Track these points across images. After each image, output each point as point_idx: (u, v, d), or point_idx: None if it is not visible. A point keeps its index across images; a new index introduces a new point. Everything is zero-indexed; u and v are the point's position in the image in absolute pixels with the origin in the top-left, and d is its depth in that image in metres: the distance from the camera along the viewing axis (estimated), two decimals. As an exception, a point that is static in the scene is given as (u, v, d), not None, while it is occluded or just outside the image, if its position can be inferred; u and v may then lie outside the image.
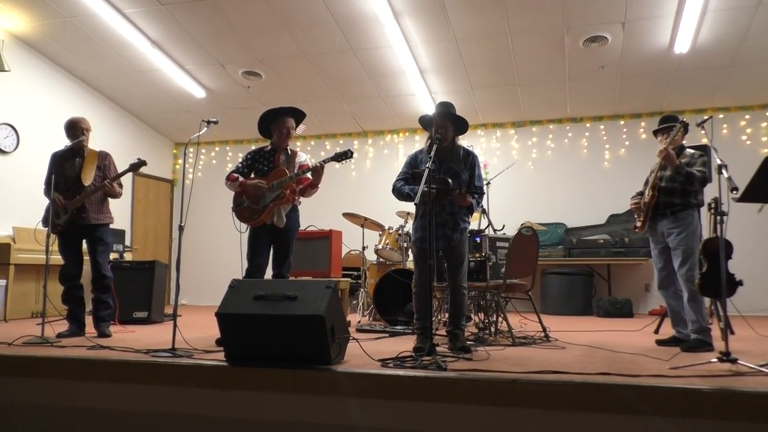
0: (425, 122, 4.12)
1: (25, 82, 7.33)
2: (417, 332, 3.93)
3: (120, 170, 4.93)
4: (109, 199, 4.98)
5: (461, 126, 4.05)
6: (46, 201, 4.77)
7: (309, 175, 4.43)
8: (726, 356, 3.10)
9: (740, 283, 3.62)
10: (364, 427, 2.86)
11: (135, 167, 4.82)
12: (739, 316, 5.49)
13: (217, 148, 10.07)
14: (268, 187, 4.36)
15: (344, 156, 4.33)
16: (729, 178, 3.24)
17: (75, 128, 4.87)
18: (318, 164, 4.35)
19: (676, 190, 4.12)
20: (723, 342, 3.22)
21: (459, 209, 3.92)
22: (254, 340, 3.18)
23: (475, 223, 5.88)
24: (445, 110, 3.97)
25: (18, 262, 6.38)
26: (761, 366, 2.98)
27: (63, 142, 4.94)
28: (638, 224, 4.33)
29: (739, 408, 2.47)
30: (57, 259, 4.80)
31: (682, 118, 4.28)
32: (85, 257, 4.90)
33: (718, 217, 3.37)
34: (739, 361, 3.07)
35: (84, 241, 4.88)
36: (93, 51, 7.37)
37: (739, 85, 7.40)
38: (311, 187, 4.46)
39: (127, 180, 5.09)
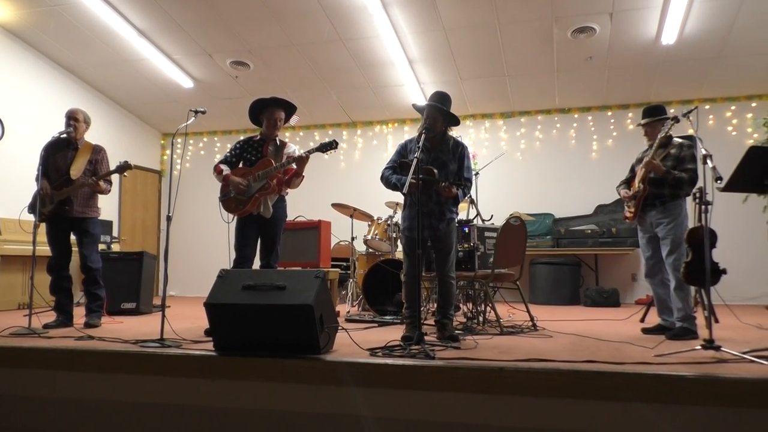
0: (419, 109, 4.13)
1: (10, 71, 7.24)
2: (406, 321, 3.95)
3: (112, 166, 4.90)
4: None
5: (452, 119, 4.05)
6: (33, 189, 4.75)
7: (293, 165, 4.41)
8: (710, 344, 3.14)
9: (724, 271, 3.67)
10: (352, 416, 2.88)
11: (121, 169, 4.77)
12: (724, 304, 5.56)
13: (205, 139, 10.02)
14: (245, 185, 4.35)
15: (329, 146, 4.30)
16: (713, 168, 3.27)
17: (67, 118, 4.87)
18: (303, 154, 4.34)
19: (666, 182, 4.16)
20: (707, 330, 3.27)
21: (446, 199, 3.93)
22: (243, 330, 3.18)
23: (463, 213, 5.90)
24: (437, 102, 3.97)
25: (4, 253, 6.32)
26: (744, 353, 3.03)
27: (48, 132, 4.91)
28: (628, 214, 4.37)
29: (721, 394, 2.51)
30: (44, 249, 4.78)
31: (669, 109, 4.32)
32: (74, 248, 4.88)
33: (703, 207, 3.40)
34: (723, 349, 3.11)
35: (72, 233, 4.86)
36: (79, 40, 7.29)
37: (725, 77, 7.46)
38: (296, 176, 4.44)
39: (114, 171, 5.02)
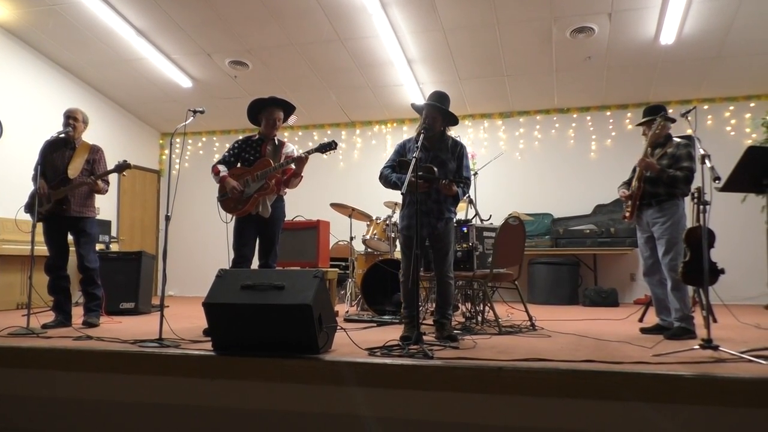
0: (417, 109, 4.14)
1: (8, 71, 7.23)
2: (404, 321, 3.95)
3: (109, 166, 4.90)
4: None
5: (451, 118, 4.05)
6: (31, 189, 4.74)
7: (292, 165, 4.42)
8: (708, 343, 3.15)
9: (722, 271, 3.67)
10: (351, 415, 2.88)
11: (120, 169, 4.77)
12: (722, 304, 5.57)
13: (204, 139, 10.02)
14: (240, 191, 4.35)
15: (328, 147, 4.31)
16: (712, 168, 3.28)
17: (65, 117, 4.86)
18: (302, 155, 4.34)
19: (661, 181, 4.16)
20: (705, 329, 3.27)
21: (445, 198, 3.93)
22: (241, 330, 3.18)
23: (462, 212, 5.90)
24: (436, 101, 3.97)
25: (2, 253, 6.31)
26: (742, 353, 3.04)
27: (47, 132, 4.90)
28: (627, 214, 4.38)
29: (719, 393, 2.52)
30: (42, 249, 4.77)
31: (668, 109, 4.32)
32: (71, 248, 4.87)
33: (701, 207, 3.41)
34: (721, 348, 3.12)
35: (69, 233, 4.86)
36: (77, 40, 7.28)
37: (723, 77, 7.46)
38: (294, 176, 4.45)
39: (112, 170, 5.01)
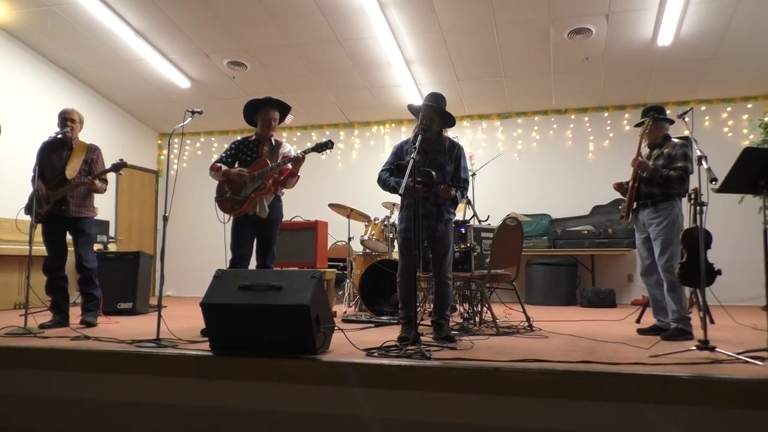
0: (413, 110, 4.13)
1: (6, 71, 7.22)
2: (402, 322, 3.96)
3: (107, 165, 4.90)
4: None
5: (448, 119, 4.05)
6: (29, 190, 4.74)
7: (289, 165, 4.42)
8: (705, 344, 3.16)
9: (719, 272, 3.68)
10: (349, 416, 2.89)
11: (116, 168, 4.78)
12: (719, 305, 5.58)
13: (202, 139, 10.01)
14: (249, 176, 4.35)
15: (325, 146, 4.31)
16: (708, 169, 3.29)
17: (61, 118, 4.86)
18: (299, 155, 4.35)
19: (655, 181, 4.17)
20: (702, 331, 3.28)
21: (443, 201, 3.93)
22: (239, 330, 3.19)
23: (460, 213, 5.91)
24: (433, 102, 3.97)
25: (0, 253, 6.31)
26: (738, 354, 3.04)
27: (45, 132, 4.91)
28: (623, 213, 4.38)
29: (716, 394, 2.53)
30: (40, 249, 4.77)
31: (666, 110, 4.33)
32: (70, 248, 4.87)
33: (698, 208, 3.42)
34: (718, 349, 3.13)
35: (68, 232, 4.86)
36: (76, 40, 7.28)
37: (721, 78, 7.48)
38: (291, 176, 4.46)
39: (111, 170, 5.01)
